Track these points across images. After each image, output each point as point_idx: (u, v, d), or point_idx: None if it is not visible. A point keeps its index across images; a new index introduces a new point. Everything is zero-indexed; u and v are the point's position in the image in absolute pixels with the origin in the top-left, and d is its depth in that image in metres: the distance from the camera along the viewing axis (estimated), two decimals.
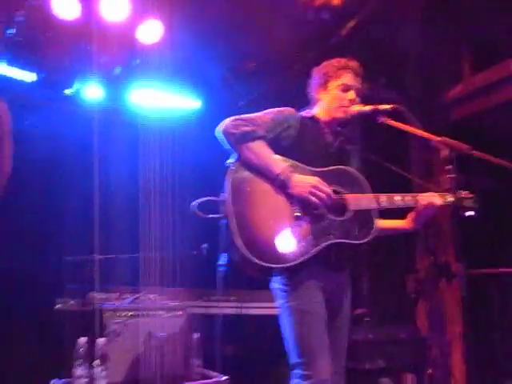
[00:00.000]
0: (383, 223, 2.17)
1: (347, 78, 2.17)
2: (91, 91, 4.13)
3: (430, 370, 4.04)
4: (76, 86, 4.13)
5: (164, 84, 4.33)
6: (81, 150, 3.74)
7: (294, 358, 1.92)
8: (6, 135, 1.60)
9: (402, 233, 2.29)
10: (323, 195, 1.93)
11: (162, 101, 4.42)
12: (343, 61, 2.20)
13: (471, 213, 2.16)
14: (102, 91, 4.18)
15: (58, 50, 3.80)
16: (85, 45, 3.86)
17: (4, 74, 3.72)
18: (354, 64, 2.20)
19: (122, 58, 4.10)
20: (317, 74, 2.24)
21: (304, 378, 1.86)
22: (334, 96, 2.17)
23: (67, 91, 4.15)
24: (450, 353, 3.93)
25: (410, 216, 2.21)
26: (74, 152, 3.92)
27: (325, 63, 2.24)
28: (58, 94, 4.14)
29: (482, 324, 3.99)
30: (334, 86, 2.17)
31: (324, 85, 2.19)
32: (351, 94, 2.16)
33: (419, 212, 2.17)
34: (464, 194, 2.17)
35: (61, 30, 3.60)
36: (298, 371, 1.90)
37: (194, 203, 2.02)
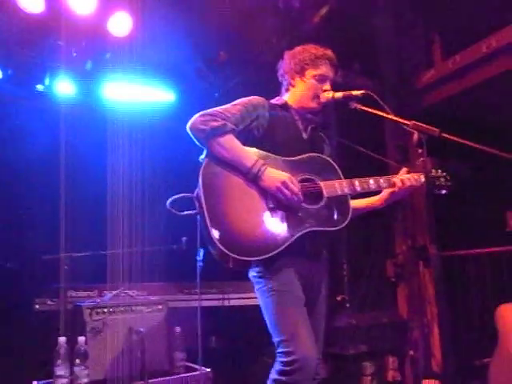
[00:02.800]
0: (356, 203, 2.20)
1: (324, 69, 2.16)
2: (63, 86, 4.05)
3: (411, 352, 4.12)
4: (46, 81, 4.05)
5: (137, 77, 4.27)
6: (52, 146, 3.66)
7: (276, 337, 1.93)
8: None
9: (375, 210, 2.30)
10: (290, 193, 1.93)
11: (136, 94, 4.35)
12: (321, 50, 2.18)
13: (444, 191, 2.20)
14: (74, 86, 4.11)
15: (25, 44, 3.71)
16: (53, 39, 3.78)
17: None
18: (330, 54, 2.19)
19: (92, 51, 4.02)
20: (292, 58, 2.20)
21: (286, 354, 1.87)
22: (309, 85, 2.16)
23: (38, 87, 4.07)
24: (429, 334, 4.00)
25: (384, 195, 2.23)
26: (44, 149, 3.83)
27: (301, 48, 2.21)
28: (28, 91, 4.05)
29: (460, 304, 4.07)
30: (310, 74, 2.16)
31: (300, 72, 2.17)
32: (327, 86, 2.16)
33: (393, 193, 2.19)
34: (436, 173, 2.20)
35: (27, 24, 3.51)
36: (280, 349, 1.91)
37: (168, 200, 2.02)
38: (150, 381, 2.66)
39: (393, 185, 2.17)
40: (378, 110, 2.05)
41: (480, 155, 2.00)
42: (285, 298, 1.94)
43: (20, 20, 3.46)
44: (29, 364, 3.09)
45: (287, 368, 1.85)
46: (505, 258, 3.77)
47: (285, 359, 1.87)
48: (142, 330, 2.75)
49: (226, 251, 1.85)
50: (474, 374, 3.55)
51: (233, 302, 3.63)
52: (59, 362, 2.57)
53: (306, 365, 1.85)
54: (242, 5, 3.62)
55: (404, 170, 2.24)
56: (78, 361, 2.57)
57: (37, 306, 3.43)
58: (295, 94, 2.20)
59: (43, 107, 4.04)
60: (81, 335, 2.68)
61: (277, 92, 2.30)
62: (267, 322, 1.98)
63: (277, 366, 1.90)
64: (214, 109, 2.03)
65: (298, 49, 2.22)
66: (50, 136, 3.70)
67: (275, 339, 1.93)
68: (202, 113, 2.01)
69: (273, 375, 1.91)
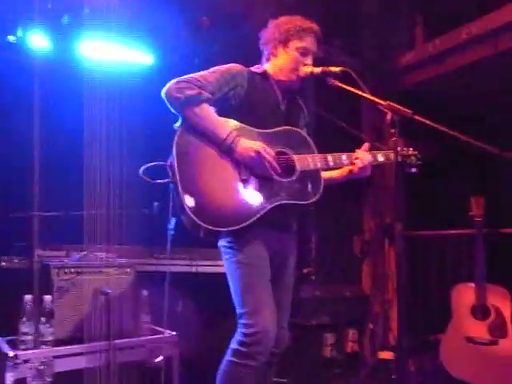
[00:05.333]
0: (326, 174, 2.23)
1: (309, 42, 2.15)
2: (36, 40, 3.91)
3: (370, 325, 4.27)
4: (19, 32, 3.89)
5: (115, 36, 4.15)
6: (24, 100, 3.56)
7: (238, 309, 1.98)
8: None
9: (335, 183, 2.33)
10: (265, 162, 1.95)
11: (113, 54, 4.24)
12: (307, 23, 2.16)
13: (414, 169, 2.25)
14: (49, 40, 3.96)
15: None
16: None
17: None
18: (316, 28, 2.17)
19: (70, 5, 3.88)
20: (277, 28, 2.17)
21: (247, 326, 1.93)
22: (292, 57, 2.14)
23: (9, 38, 3.91)
24: (389, 309, 4.16)
25: (343, 172, 2.26)
26: (16, 103, 3.72)
27: (287, 19, 2.18)
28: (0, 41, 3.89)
29: (420, 282, 4.23)
30: (294, 46, 2.14)
31: (284, 42, 2.14)
32: (308, 59, 2.15)
33: (351, 171, 2.22)
34: (407, 151, 2.25)
35: None
36: (242, 321, 1.96)
37: (141, 168, 2.01)
38: (115, 341, 2.69)
39: (364, 160, 2.20)
40: (355, 87, 2.07)
41: (449, 140, 2.06)
42: (251, 271, 1.98)
43: None
44: None
45: (247, 339, 1.91)
46: (465, 241, 3.91)
47: (245, 331, 1.92)
48: (109, 291, 2.76)
49: (198, 221, 1.87)
50: (427, 348, 3.73)
51: (201, 269, 3.67)
52: (24, 319, 2.57)
53: (265, 337, 1.91)
54: None
55: (366, 145, 2.24)
56: (43, 319, 2.58)
57: (3, 264, 3.40)
58: (276, 64, 2.18)
59: (16, 58, 3.89)
60: (47, 294, 2.68)
61: (258, 61, 2.28)
62: (232, 292, 2.02)
63: (237, 337, 1.96)
64: (191, 75, 1.99)
65: (284, 19, 2.18)
66: (22, 88, 3.59)
67: (238, 310, 1.98)
68: (177, 79, 1.97)
69: (233, 345, 1.97)
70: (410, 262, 4.10)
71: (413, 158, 2.26)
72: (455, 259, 4.11)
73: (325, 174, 2.25)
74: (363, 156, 2.17)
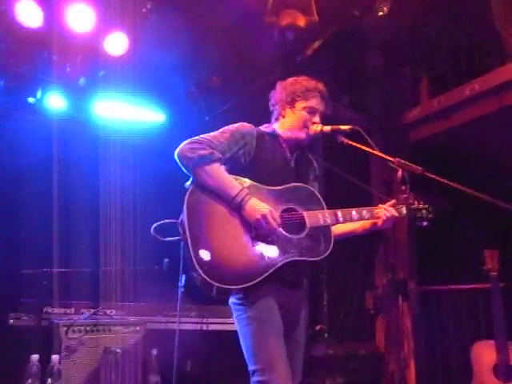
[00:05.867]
0: (337, 229, 2.22)
1: (315, 101, 2.20)
2: (54, 101, 4.07)
3: None
4: (39, 94, 4.07)
5: (128, 96, 4.31)
6: (41, 160, 3.66)
7: (251, 366, 1.93)
8: None
9: (354, 236, 2.32)
10: (269, 227, 1.95)
11: (126, 113, 4.39)
12: (313, 82, 2.22)
13: (425, 223, 2.24)
14: (66, 101, 4.13)
15: (20, 57, 3.73)
16: (48, 53, 3.81)
17: None
18: (322, 87, 2.23)
19: (86, 68, 4.06)
20: (283, 89, 2.24)
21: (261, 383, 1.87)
22: (299, 116, 2.19)
23: (29, 99, 4.08)
24: (406, 367, 4.01)
25: (365, 224, 2.25)
26: (34, 162, 3.82)
27: (293, 80, 2.24)
28: (20, 102, 4.05)
29: (437, 339, 4.09)
30: (300, 106, 2.19)
31: (290, 103, 2.20)
32: (316, 118, 2.20)
33: (375, 224, 2.22)
34: (418, 205, 2.25)
35: (23, 37, 3.54)
36: (255, 378, 1.90)
37: (153, 226, 2.03)
38: None
39: (375, 216, 2.20)
40: (364, 145, 2.10)
41: (461, 193, 2.07)
42: (263, 327, 1.94)
43: (17, 33, 3.49)
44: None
45: None
46: (481, 295, 3.82)
47: None
48: (118, 350, 2.71)
49: (208, 279, 1.86)
50: None
51: (211, 327, 3.60)
52: (30, 380, 2.52)
53: None
54: (237, 33, 3.70)
55: (392, 201, 2.26)
56: (49, 380, 2.52)
57: (11, 321, 3.36)
58: (285, 124, 2.24)
59: (34, 120, 4.04)
60: (55, 353, 2.64)
61: (267, 120, 2.34)
62: (244, 350, 1.97)
63: None
64: (202, 136, 2.04)
65: (290, 80, 2.25)
66: (40, 148, 3.70)
67: (251, 368, 1.93)
68: (190, 140, 2.02)
69: None
70: (424, 318, 3.99)
71: (424, 211, 2.26)
72: (472, 314, 3.99)
73: (346, 227, 2.26)
74: (387, 209, 2.19)
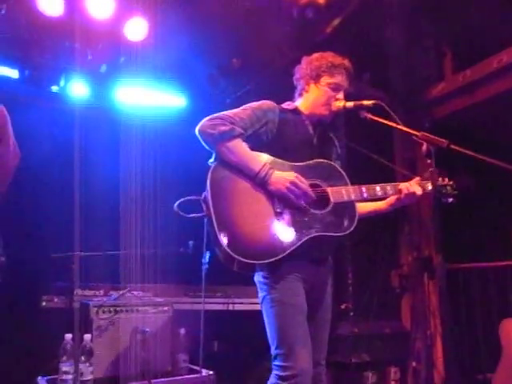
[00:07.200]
0: (363, 207, 2.21)
1: (340, 78, 2.17)
2: (77, 88, 4.13)
3: (413, 363, 4.11)
4: (61, 83, 4.13)
5: (150, 82, 4.34)
6: (64, 146, 3.73)
7: (274, 349, 1.94)
8: (7, 134, 1.61)
9: (380, 214, 2.30)
10: (300, 191, 1.96)
11: (148, 99, 4.42)
12: (339, 59, 2.19)
13: (451, 199, 2.21)
14: (88, 88, 4.19)
15: (42, 46, 3.79)
16: (70, 42, 3.86)
17: None
18: (348, 64, 2.20)
19: (107, 55, 4.10)
20: (309, 64, 2.22)
21: (283, 369, 1.88)
22: (323, 92, 2.17)
23: (53, 88, 4.15)
24: (432, 346, 3.99)
25: (390, 200, 2.24)
26: (58, 149, 3.90)
27: (319, 55, 2.22)
28: (43, 91, 4.13)
29: (464, 317, 4.06)
30: (325, 82, 2.17)
31: (315, 78, 2.18)
32: (340, 95, 2.17)
33: (399, 199, 2.20)
34: (443, 181, 2.22)
35: (45, 26, 3.59)
36: (277, 362, 1.91)
37: (176, 203, 2.05)
38: (153, 381, 2.68)
39: (399, 192, 2.18)
40: (387, 120, 2.08)
41: (487, 169, 2.03)
42: (286, 310, 1.94)
43: (38, 22, 3.54)
44: (34, 359, 3.13)
45: (283, 383, 1.87)
46: (509, 273, 3.76)
47: (281, 373, 1.88)
48: (146, 330, 2.78)
49: (232, 253, 1.87)
50: None
51: (237, 307, 3.65)
52: (65, 358, 2.61)
53: (301, 381, 1.86)
54: (256, 12, 3.67)
55: (416, 178, 2.24)
56: (83, 358, 2.61)
57: (44, 303, 3.47)
58: (308, 99, 2.22)
59: (57, 108, 4.12)
60: (86, 333, 2.72)
61: (288, 99, 2.33)
62: (267, 331, 1.98)
63: (272, 379, 1.91)
64: (224, 112, 2.05)
65: (316, 55, 2.23)
66: (63, 136, 3.77)
67: (273, 351, 1.94)
68: (210, 116, 2.03)
69: None
70: (451, 296, 3.95)
71: (449, 187, 2.23)
72: (500, 292, 3.94)
73: (370, 206, 2.25)
74: (412, 184, 2.17)
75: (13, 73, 3.85)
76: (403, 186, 2.18)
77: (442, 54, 4.33)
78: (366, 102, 2.13)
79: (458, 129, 4.09)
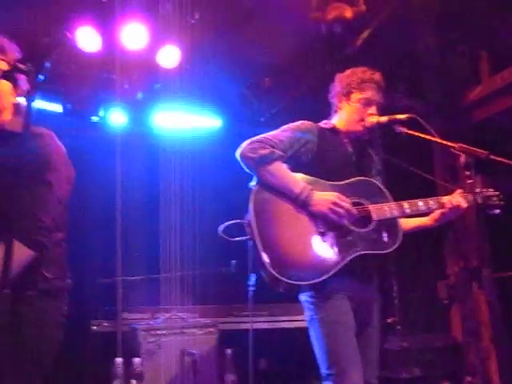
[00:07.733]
0: (407, 223, 2.17)
1: (370, 93, 2.16)
2: (116, 117, 4.29)
3: (468, 378, 3.95)
4: (101, 113, 4.30)
5: (185, 105, 4.45)
6: (106, 173, 3.86)
7: (324, 370, 1.92)
8: (60, 158, 1.68)
9: (425, 229, 2.25)
10: (342, 210, 1.96)
11: (184, 122, 4.53)
12: (368, 73, 2.18)
13: (497, 211, 2.13)
14: (126, 116, 4.33)
15: (82, 80, 3.96)
16: (107, 74, 4.03)
17: (36, 107, 3.89)
18: (378, 77, 2.19)
19: (143, 83, 4.24)
20: (340, 82, 2.22)
21: None
22: (355, 109, 2.17)
23: (93, 118, 4.32)
24: (487, 358, 3.84)
25: (435, 215, 2.18)
26: (100, 176, 4.03)
27: (349, 72, 2.22)
28: (85, 122, 4.30)
29: None
30: (356, 98, 2.17)
31: (346, 95, 2.18)
32: (372, 109, 2.16)
33: (444, 214, 2.16)
34: (488, 192, 2.15)
35: (84, 62, 3.75)
36: (327, 382, 1.90)
37: (220, 227, 2.08)
38: None
39: (442, 206, 2.13)
40: (423, 132, 2.05)
41: None
42: (335, 329, 1.92)
43: (79, 59, 3.71)
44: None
45: None
46: None
47: None
48: (194, 352, 2.81)
49: (277, 275, 1.88)
50: None
51: (283, 325, 3.63)
52: (116, 382, 2.67)
53: None
54: (285, 31, 3.71)
55: (459, 191, 2.19)
56: (134, 381, 2.66)
57: (94, 328, 3.56)
58: (342, 117, 2.22)
59: (99, 136, 4.28)
60: (135, 356, 2.78)
61: (320, 116, 2.33)
62: (316, 351, 1.97)
63: None
64: (263, 135, 2.07)
65: (348, 72, 2.23)
66: (105, 163, 3.90)
67: (323, 371, 1.92)
68: (250, 140, 2.05)
69: None
70: (502, 305, 3.81)
71: (494, 198, 2.15)
72: None
73: (414, 222, 2.21)
74: (454, 196, 2.13)
75: (56, 107, 4.03)
76: (446, 199, 2.13)
77: (478, 57, 4.23)
78: (399, 116, 2.10)
79: (498, 132, 3.98)
